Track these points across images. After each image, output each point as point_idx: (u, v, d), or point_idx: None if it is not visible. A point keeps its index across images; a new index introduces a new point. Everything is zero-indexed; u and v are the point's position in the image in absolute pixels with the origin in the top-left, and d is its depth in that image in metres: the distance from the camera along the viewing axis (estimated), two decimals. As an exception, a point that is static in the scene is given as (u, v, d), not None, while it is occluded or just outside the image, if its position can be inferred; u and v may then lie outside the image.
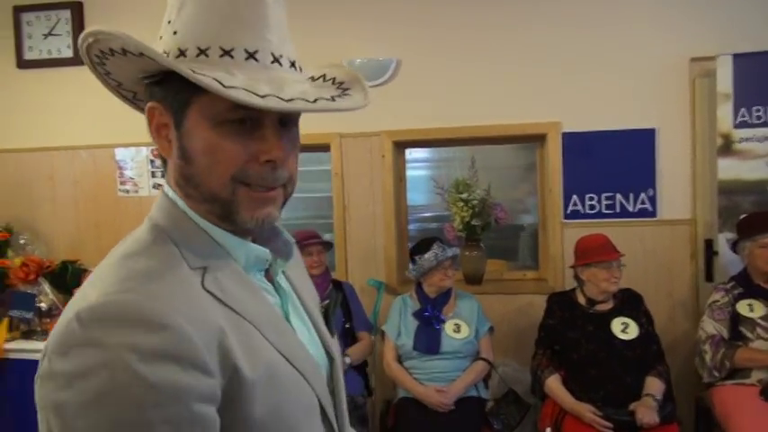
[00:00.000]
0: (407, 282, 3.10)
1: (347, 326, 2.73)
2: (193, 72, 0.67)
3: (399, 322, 2.71)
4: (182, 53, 0.71)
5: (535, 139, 3.27)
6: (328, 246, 2.83)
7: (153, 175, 3.50)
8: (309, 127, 3.21)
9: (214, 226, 0.76)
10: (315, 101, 0.72)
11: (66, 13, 3.50)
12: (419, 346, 2.61)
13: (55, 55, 3.53)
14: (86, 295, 0.66)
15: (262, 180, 0.73)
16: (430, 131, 3.19)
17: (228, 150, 0.71)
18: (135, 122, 3.58)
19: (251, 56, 0.72)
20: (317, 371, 0.82)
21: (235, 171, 0.72)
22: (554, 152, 3.11)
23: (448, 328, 2.64)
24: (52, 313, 3.00)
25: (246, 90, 0.66)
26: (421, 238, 2.79)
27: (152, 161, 3.49)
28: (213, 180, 0.72)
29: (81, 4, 3.49)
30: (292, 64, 0.76)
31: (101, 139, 3.52)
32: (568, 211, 3.13)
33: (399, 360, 2.67)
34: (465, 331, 2.64)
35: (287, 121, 0.75)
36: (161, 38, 0.75)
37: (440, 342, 2.60)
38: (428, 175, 3.75)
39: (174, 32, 0.73)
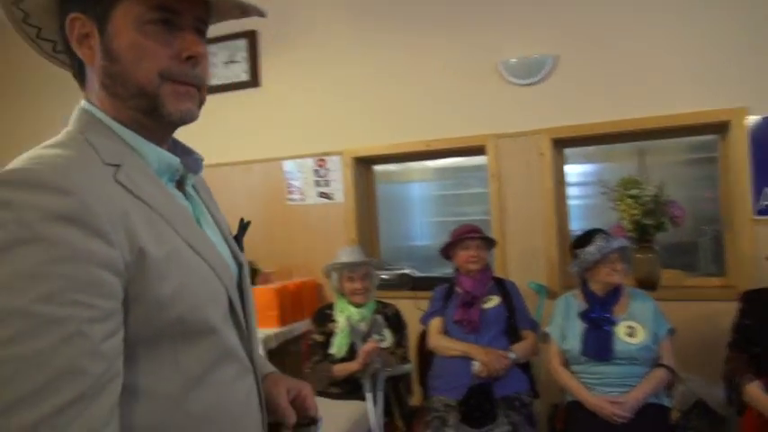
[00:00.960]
0: (571, 286, 2.92)
1: (510, 322, 2.62)
2: None
3: (564, 324, 2.54)
4: None
5: (714, 130, 2.97)
6: (489, 242, 2.76)
7: (317, 183, 3.70)
8: (464, 130, 3.26)
9: (128, 130, 0.82)
10: None
11: (243, 43, 3.88)
12: (588, 350, 2.41)
13: (233, 80, 3.92)
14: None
15: (185, 76, 0.82)
16: (593, 126, 3.03)
17: (153, 49, 0.79)
18: (300, 136, 3.86)
19: None
20: (226, 267, 0.86)
21: (161, 68, 0.80)
22: (739, 142, 2.79)
23: (620, 331, 2.42)
24: (230, 309, 3.25)
25: None
26: (582, 232, 2.61)
27: (316, 170, 3.70)
28: (141, 75, 0.79)
29: (255, 33, 3.85)
30: None
31: (270, 153, 3.82)
32: (761, 207, 2.77)
33: (566, 364, 2.51)
34: (640, 335, 2.40)
35: (200, 30, 0.85)
36: None
37: (611, 347, 2.39)
38: (585, 203, 3.52)
39: None
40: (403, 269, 3.55)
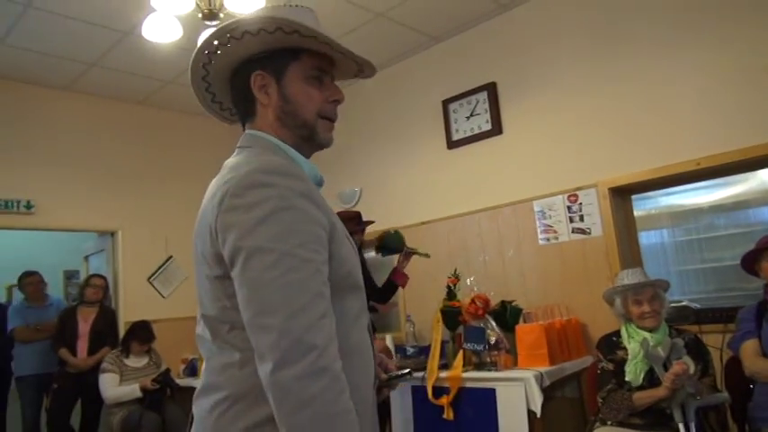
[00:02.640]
0: None
1: None
2: (333, 43, 1.12)
3: None
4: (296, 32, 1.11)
5: None
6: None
7: (571, 220, 3.62)
8: (744, 141, 2.96)
9: (290, 148, 1.14)
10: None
11: (483, 95, 4.09)
12: None
13: (476, 131, 4.12)
14: (244, 166, 1.01)
15: (332, 114, 1.18)
16: None
17: (314, 95, 1.14)
18: (548, 175, 3.82)
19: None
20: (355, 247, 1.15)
21: (318, 108, 1.15)
22: None
23: None
24: (498, 346, 3.24)
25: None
26: None
27: (569, 207, 3.63)
28: (306, 112, 1.14)
29: (495, 84, 4.04)
30: None
31: (520, 195, 3.86)
32: None
33: None
34: None
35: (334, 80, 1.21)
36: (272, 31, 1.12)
37: None
38: None
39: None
40: (682, 301, 3.24)
